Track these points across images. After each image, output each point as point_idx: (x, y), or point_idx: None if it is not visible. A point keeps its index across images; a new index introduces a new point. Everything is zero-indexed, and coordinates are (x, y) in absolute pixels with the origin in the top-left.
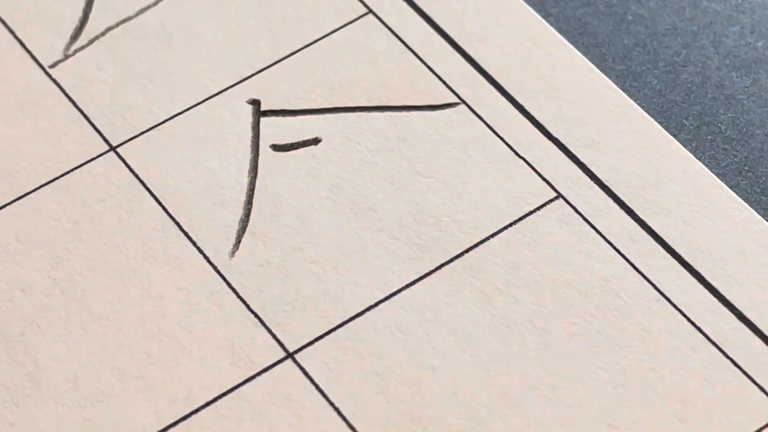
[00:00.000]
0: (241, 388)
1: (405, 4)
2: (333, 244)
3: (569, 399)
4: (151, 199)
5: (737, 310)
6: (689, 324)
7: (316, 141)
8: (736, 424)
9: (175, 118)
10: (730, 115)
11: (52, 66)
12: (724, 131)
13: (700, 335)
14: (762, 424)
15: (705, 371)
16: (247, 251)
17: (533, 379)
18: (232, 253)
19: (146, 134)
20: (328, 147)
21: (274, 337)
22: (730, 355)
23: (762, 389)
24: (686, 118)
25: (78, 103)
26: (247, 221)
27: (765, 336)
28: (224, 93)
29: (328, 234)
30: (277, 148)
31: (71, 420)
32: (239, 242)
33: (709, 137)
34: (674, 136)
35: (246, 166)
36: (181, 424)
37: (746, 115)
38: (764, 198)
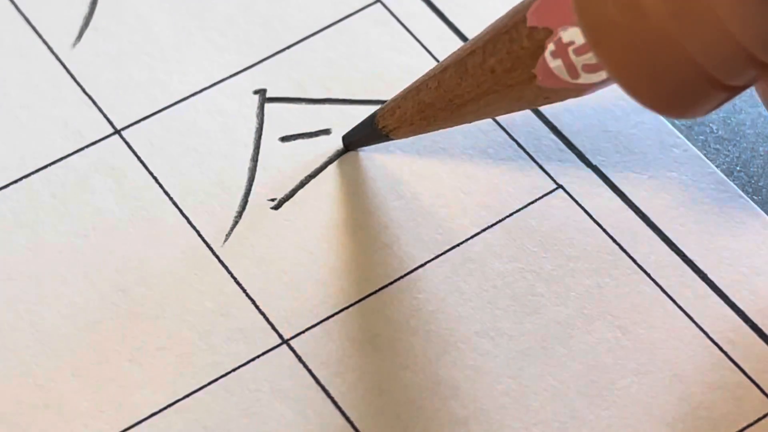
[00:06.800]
0: (69, 158)
1: None
2: (166, 39)
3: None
4: None
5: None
6: None
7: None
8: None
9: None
10: (721, 114)
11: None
12: (715, 131)
13: None
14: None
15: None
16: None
17: None
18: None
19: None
20: None
21: (105, 116)
22: None
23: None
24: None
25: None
26: (90, 18)
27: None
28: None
29: (163, 31)
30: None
31: None
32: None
33: (701, 137)
34: None
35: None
36: (12, 186)
37: (737, 114)
38: (756, 197)
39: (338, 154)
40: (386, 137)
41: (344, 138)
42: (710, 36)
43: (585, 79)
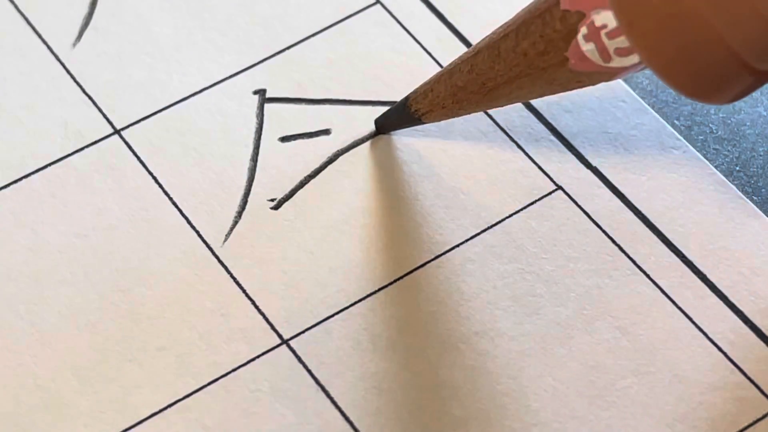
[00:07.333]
0: (69, 158)
1: None
2: (166, 39)
3: None
4: None
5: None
6: None
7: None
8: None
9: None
10: (721, 115)
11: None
12: (715, 131)
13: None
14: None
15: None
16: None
17: None
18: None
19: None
20: None
21: (104, 116)
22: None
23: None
24: (677, 119)
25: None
26: (90, 18)
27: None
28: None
29: (163, 31)
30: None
31: None
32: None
33: (701, 137)
34: None
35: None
36: (12, 186)
37: (737, 115)
38: (756, 198)
39: (337, 155)
40: (418, 120)
41: (376, 121)
42: (742, 17)
43: (617, 62)
